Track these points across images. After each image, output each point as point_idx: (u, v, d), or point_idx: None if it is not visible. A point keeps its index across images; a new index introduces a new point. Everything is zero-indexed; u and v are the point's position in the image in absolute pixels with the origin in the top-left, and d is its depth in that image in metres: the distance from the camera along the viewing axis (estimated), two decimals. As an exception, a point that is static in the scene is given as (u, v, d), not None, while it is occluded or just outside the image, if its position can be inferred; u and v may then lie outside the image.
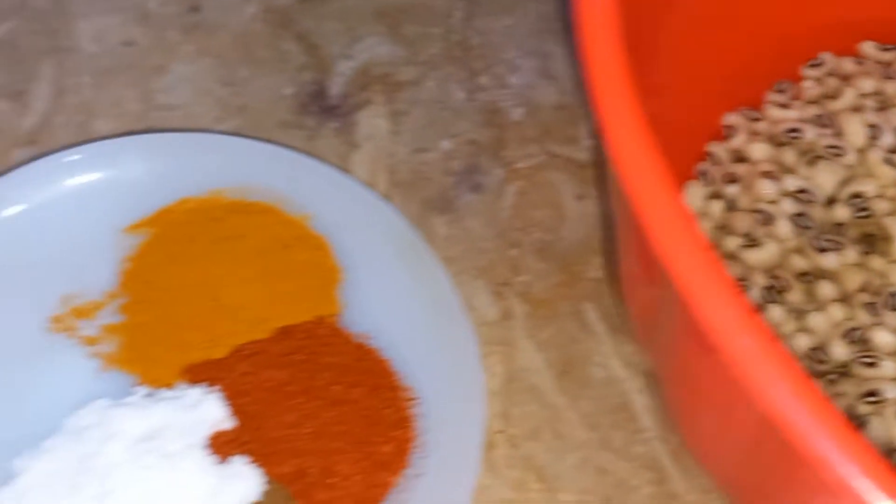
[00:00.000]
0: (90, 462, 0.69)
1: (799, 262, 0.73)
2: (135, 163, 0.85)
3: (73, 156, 0.85)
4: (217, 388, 0.76)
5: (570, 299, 0.87)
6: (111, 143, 0.86)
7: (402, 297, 0.81)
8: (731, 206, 0.79)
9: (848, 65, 0.82)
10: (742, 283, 0.74)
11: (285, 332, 0.80)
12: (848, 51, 0.85)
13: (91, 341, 0.79)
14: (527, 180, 0.93)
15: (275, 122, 0.94)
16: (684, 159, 0.82)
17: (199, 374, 0.78)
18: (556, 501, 0.76)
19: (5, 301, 0.78)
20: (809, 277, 0.72)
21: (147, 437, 0.72)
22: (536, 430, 0.80)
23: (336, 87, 0.97)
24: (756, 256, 0.75)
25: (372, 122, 0.94)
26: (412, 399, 0.77)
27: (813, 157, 0.76)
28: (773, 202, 0.76)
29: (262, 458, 0.73)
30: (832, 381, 0.69)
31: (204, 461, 0.72)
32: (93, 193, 0.83)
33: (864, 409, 0.66)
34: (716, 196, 0.80)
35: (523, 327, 0.84)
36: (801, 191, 0.75)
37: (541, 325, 0.85)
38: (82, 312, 0.80)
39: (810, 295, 0.72)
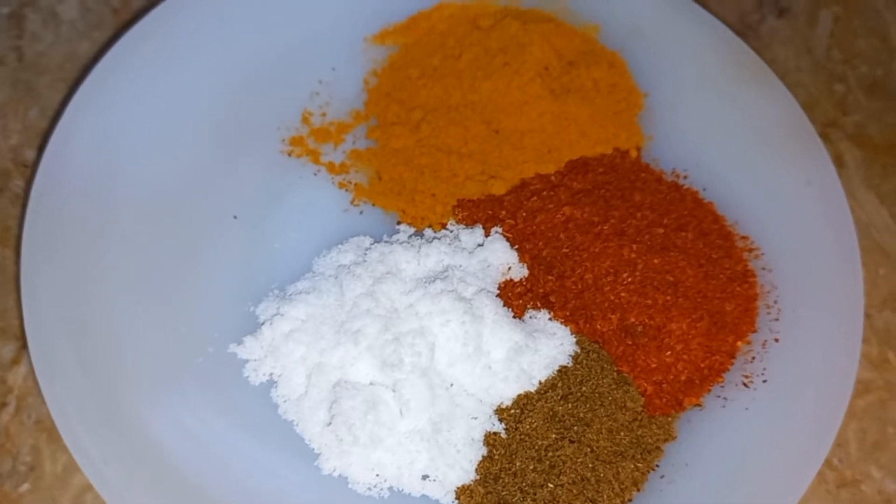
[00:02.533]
0: (361, 304, 0.54)
1: None
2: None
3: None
4: (499, 228, 0.60)
5: (914, 145, 0.68)
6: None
7: (725, 124, 0.64)
8: None
9: None
10: None
11: (580, 165, 0.63)
12: None
13: (338, 169, 0.63)
14: (843, 5, 0.74)
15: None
16: None
17: (474, 212, 0.62)
18: (925, 387, 0.59)
19: (240, 114, 0.62)
20: None
21: (428, 278, 0.56)
22: (892, 299, 0.62)
23: None
24: None
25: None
26: (753, 250, 0.60)
27: None
28: None
29: (570, 312, 0.57)
30: None
31: (503, 311, 0.55)
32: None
33: None
34: None
35: (860, 176, 0.66)
36: None
37: (882, 175, 0.67)
38: (325, 134, 0.64)
39: None
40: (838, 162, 0.67)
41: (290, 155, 0.64)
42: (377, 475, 0.53)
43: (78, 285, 0.55)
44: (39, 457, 0.55)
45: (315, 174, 0.63)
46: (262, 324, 0.57)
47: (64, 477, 0.54)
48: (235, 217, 0.61)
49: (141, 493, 0.50)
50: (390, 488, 0.53)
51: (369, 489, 0.53)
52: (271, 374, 0.56)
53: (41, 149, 0.59)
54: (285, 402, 0.55)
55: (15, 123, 0.65)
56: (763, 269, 0.59)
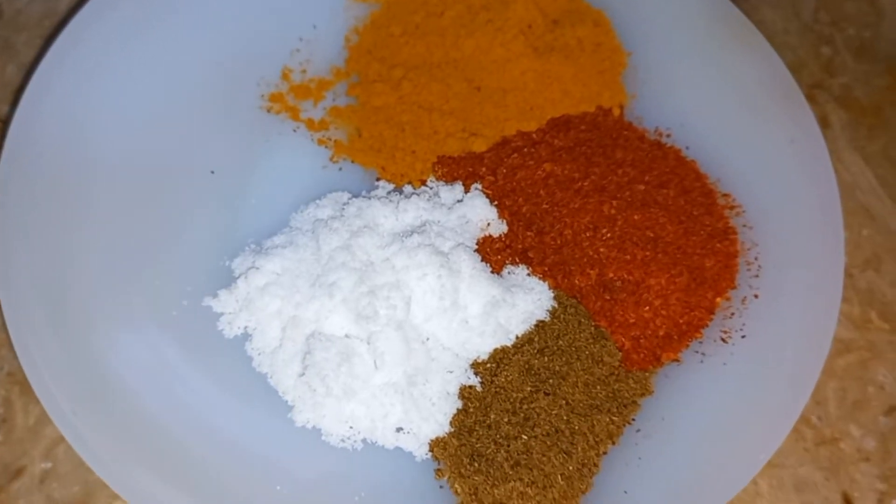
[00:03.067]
0: (337, 258, 0.54)
1: None
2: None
3: None
4: (478, 185, 0.59)
5: (901, 107, 0.68)
6: None
7: (710, 84, 0.63)
8: None
9: None
10: None
11: (562, 123, 0.63)
12: None
13: (317, 126, 0.62)
14: (831, -32, 0.74)
15: None
16: None
17: (454, 168, 0.61)
18: (907, 346, 0.59)
19: (219, 69, 0.61)
20: None
21: (405, 233, 0.56)
22: (875, 260, 0.62)
23: None
24: None
25: None
26: (734, 208, 0.59)
27: None
28: None
29: (549, 267, 0.56)
30: None
31: (481, 266, 0.55)
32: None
33: None
34: None
35: (845, 137, 0.66)
36: None
37: (867, 136, 0.66)
38: (305, 91, 0.63)
39: None
40: (824, 123, 0.66)
41: (269, 111, 0.63)
42: (350, 427, 0.52)
43: (52, 238, 0.55)
44: (11, 409, 0.55)
45: (294, 130, 0.63)
46: (238, 277, 0.56)
47: (36, 429, 0.54)
48: (213, 172, 0.60)
49: (112, 444, 0.50)
50: (364, 441, 0.52)
51: (342, 441, 0.52)
52: (246, 328, 0.55)
53: (15, 104, 0.58)
54: (259, 354, 0.55)
55: (-7, 79, 0.65)
56: (744, 226, 0.58)
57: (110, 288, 0.54)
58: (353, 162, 0.62)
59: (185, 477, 0.49)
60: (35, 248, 0.54)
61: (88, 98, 0.60)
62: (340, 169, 0.62)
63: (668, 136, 0.62)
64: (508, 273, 0.57)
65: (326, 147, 0.63)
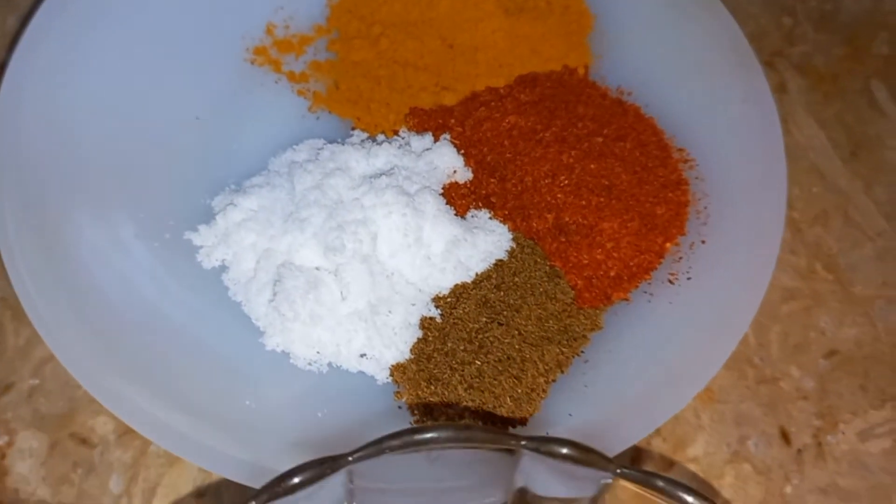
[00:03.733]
0: (309, 196, 0.57)
1: None
2: None
3: None
4: (447, 135, 0.63)
5: (855, 75, 0.71)
6: None
7: (671, 47, 0.67)
8: None
9: None
10: None
11: (529, 80, 0.66)
12: None
13: (297, 78, 0.66)
14: (797, -58, 0.77)
15: None
16: None
17: (425, 120, 0.65)
18: (849, 295, 0.62)
19: (206, 22, 0.65)
20: None
21: (375, 175, 0.60)
22: (823, 216, 0.65)
23: None
24: None
25: None
26: (688, 161, 0.63)
27: None
28: None
29: (509, 211, 0.60)
30: None
31: (445, 208, 0.59)
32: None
33: None
34: None
35: (802, 102, 0.69)
36: None
37: (823, 102, 0.70)
38: (287, 46, 0.67)
39: None
40: (782, 89, 0.70)
41: (252, 63, 0.67)
42: (317, 352, 0.56)
43: (41, 175, 0.59)
44: (3, 332, 0.59)
45: (276, 82, 0.67)
46: (217, 214, 0.60)
47: (26, 350, 0.58)
48: (198, 118, 0.64)
49: (96, 358, 0.53)
50: (329, 364, 0.56)
51: (309, 364, 0.56)
52: (223, 260, 0.59)
53: (11, 50, 0.62)
54: (235, 284, 0.58)
55: (-6, 30, 0.69)
56: (696, 178, 0.62)
57: (99, 218, 0.58)
58: (330, 112, 0.66)
59: (164, 390, 0.53)
60: (26, 184, 0.58)
61: (81, 44, 0.64)
62: (318, 118, 0.65)
63: (630, 94, 0.66)
64: (472, 216, 0.61)
65: (305, 98, 0.66)
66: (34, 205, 0.57)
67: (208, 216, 0.60)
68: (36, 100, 0.61)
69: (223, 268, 0.59)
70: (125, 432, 0.55)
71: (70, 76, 0.62)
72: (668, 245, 0.60)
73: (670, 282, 0.59)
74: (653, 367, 0.55)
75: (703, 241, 0.60)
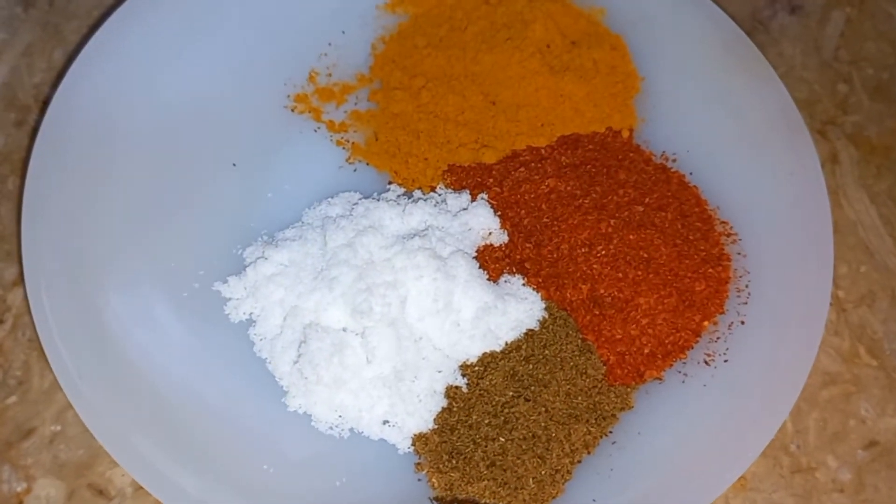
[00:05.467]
0: (340, 254, 0.56)
1: None
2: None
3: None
4: (485, 195, 0.62)
5: (911, 149, 0.69)
6: None
7: (719, 113, 0.65)
8: None
9: None
10: None
11: (571, 141, 0.65)
12: None
13: (337, 128, 0.65)
14: (857, 7, 0.75)
15: None
16: None
17: (463, 177, 0.64)
18: (892, 382, 0.60)
19: (250, 67, 0.65)
20: None
21: (408, 236, 0.58)
22: (870, 296, 0.63)
23: None
24: None
25: None
26: (731, 235, 0.61)
27: None
28: None
29: (543, 279, 0.58)
30: None
31: (477, 273, 0.57)
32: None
33: None
34: None
35: (853, 174, 0.67)
36: None
37: (875, 175, 0.67)
38: (328, 94, 0.67)
39: None
40: (833, 159, 0.68)
41: (293, 111, 0.67)
42: (339, 416, 0.55)
43: (77, 215, 0.59)
44: (29, 372, 0.59)
45: (315, 130, 0.66)
46: (248, 266, 0.59)
47: (49, 393, 0.58)
48: (234, 165, 0.63)
49: (114, 413, 0.53)
50: (351, 429, 0.55)
51: (331, 428, 0.55)
52: (251, 314, 0.58)
53: (56, 85, 0.62)
54: (261, 340, 0.58)
55: (41, 63, 0.69)
56: (739, 253, 0.60)
57: (127, 267, 0.58)
58: (368, 164, 0.65)
59: (180, 450, 0.53)
60: (60, 223, 0.58)
61: (124, 84, 0.64)
62: (355, 170, 0.64)
63: (674, 160, 0.64)
64: (504, 282, 0.59)
65: (344, 148, 0.66)
66: (65, 251, 0.57)
67: (238, 266, 0.60)
68: (75, 139, 0.61)
69: (250, 321, 0.58)
70: (141, 486, 0.54)
71: (112, 117, 0.62)
72: (705, 324, 0.58)
73: (706, 363, 0.57)
74: (684, 453, 0.53)
75: (742, 321, 0.58)
